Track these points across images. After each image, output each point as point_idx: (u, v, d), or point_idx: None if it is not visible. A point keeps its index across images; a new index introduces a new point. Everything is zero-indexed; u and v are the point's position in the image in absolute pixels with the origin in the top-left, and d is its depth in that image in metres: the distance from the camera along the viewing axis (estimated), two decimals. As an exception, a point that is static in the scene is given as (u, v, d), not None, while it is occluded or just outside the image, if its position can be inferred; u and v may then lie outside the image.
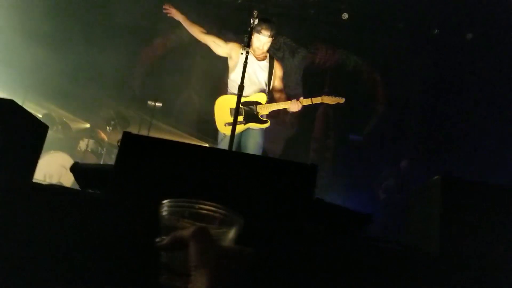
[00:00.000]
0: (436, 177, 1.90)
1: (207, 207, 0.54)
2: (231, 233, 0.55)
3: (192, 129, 6.46)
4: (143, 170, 1.31)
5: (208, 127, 6.16)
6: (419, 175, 5.39)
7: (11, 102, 1.58)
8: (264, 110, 3.10)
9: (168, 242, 0.51)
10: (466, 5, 5.76)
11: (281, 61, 6.83)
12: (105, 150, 5.04)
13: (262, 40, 3.17)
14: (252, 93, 3.14)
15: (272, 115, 6.80)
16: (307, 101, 3.11)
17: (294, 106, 3.05)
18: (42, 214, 1.19)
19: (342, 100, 3.37)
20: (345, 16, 6.30)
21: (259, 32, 3.17)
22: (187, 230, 0.51)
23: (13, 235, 1.20)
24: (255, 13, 2.62)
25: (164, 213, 0.54)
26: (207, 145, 6.30)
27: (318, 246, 1.51)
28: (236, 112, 2.52)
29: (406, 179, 5.45)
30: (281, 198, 1.46)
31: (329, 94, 3.32)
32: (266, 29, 3.15)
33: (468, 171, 5.39)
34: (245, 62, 2.52)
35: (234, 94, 3.10)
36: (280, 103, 3.24)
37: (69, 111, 5.91)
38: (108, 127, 5.14)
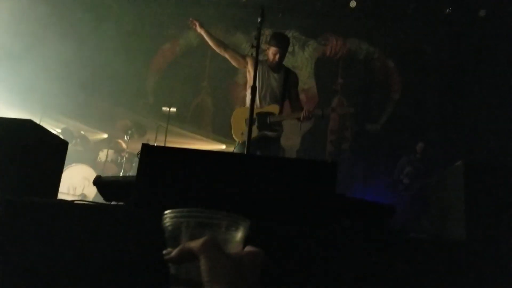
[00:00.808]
0: (458, 162, 1.86)
1: (212, 215, 0.53)
2: (239, 235, 0.55)
3: (207, 131, 6.51)
4: (163, 180, 1.32)
5: (223, 128, 6.22)
6: (438, 160, 5.29)
7: (29, 122, 1.62)
8: (276, 119, 3.23)
9: (176, 255, 0.50)
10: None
11: (292, 55, 6.84)
12: (124, 159, 5.14)
13: (273, 52, 3.31)
14: (266, 105, 3.25)
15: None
16: (317, 112, 3.21)
17: (304, 117, 3.15)
18: (68, 230, 1.22)
19: (351, 110, 3.50)
20: (353, 4, 6.21)
21: (271, 44, 3.35)
22: (195, 242, 0.49)
23: (41, 252, 1.24)
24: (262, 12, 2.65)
25: (168, 224, 0.54)
26: (223, 146, 6.34)
27: (346, 242, 1.51)
28: (251, 111, 2.53)
29: (425, 163, 5.34)
30: (304, 198, 1.46)
31: (340, 105, 3.33)
32: (275, 44, 3.31)
33: (487, 155, 5.25)
34: (256, 64, 2.53)
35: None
36: (291, 114, 3.35)
37: (86, 124, 6.05)
38: (126, 136, 5.23)
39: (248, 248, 0.52)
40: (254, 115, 3.16)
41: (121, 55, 6.11)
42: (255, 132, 3.16)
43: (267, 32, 6.50)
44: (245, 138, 3.13)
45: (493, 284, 1.53)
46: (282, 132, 3.37)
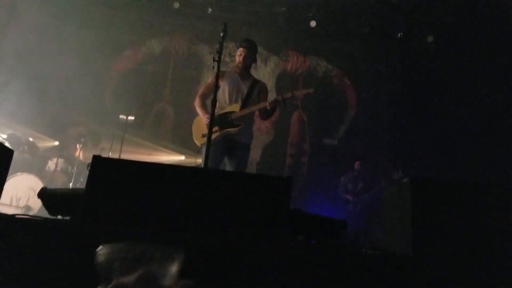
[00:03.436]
0: (405, 179, 1.95)
1: (146, 250, 0.52)
2: (174, 269, 0.54)
3: (167, 140, 6.39)
4: (114, 193, 1.28)
5: (183, 138, 6.15)
6: (383, 175, 5.58)
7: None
8: (237, 116, 3.21)
9: None
10: (427, 9, 6.00)
11: (255, 69, 6.92)
12: (75, 168, 4.89)
13: (239, 52, 3.39)
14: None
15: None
16: (277, 98, 3.17)
17: (264, 105, 3.12)
18: (8, 246, 1.14)
19: (311, 90, 3.45)
20: (313, 24, 6.43)
21: (239, 47, 3.43)
22: (130, 278, 0.49)
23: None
24: (225, 26, 2.70)
25: (101, 260, 0.52)
26: (183, 157, 6.24)
27: (298, 256, 1.52)
28: (210, 124, 2.54)
29: (365, 179, 5.64)
30: (258, 212, 1.47)
31: (298, 89, 3.36)
32: (241, 45, 3.40)
33: (435, 171, 5.59)
34: (217, 76, 2.56)
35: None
36: (252, 106, 3.27)
37: (36, 130, 5.71)
38: (78, 144, 5.00)
39: (182, 282, 0.52)
40: (217, 117, 3.16)
41: (78, 60, 5.89)
42: (217, 132, 3.17)
43: (230, 45, 6.57)
44: (205, 140, 3.13)
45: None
46: (245, 128, 3.29)
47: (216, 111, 3.31)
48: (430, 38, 6.37)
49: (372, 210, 5.28)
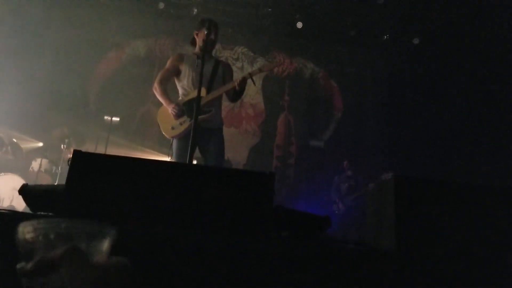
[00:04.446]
0: (389, 176, 1.98)
1: (72, 225, 0.49)
2: (104, 246, 0.50)
3: (152, 142, 6.34)
4: (95, 189, 1.26)
5: (169, 140, 6.08)
6: (371, 174, 5.64)
7: None
8: (205, 100, 2.94)
9: (35, 267, 0.46)
10: (412, 12, 6.11)
11: (241, 70, 6.93)
12: (60, 169, 4.82)
13: (202, 34, 3.12)
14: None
15: (235, 125, 6.88)
16: (245, 76, 2.97)
17: (233, 85, 2.94)
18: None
19: (279, 63, 3.19)
20: (299, 25, 6.48)
21: (199, 27, 3.20)
22: (56, 252, 0.45)
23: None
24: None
25: (26, 236, 0.49)
26: (169, 158, 6.19)
27: (280, 252, 1.53)
28: (197, 108, 2.44)
29: (356, 178, 5.69)
30: (241, 208, 1.47)
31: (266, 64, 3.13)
32: (202, 25, 3.13)
33: (423, 172, 5.68)
34: (200, 75, 2.52)
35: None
36: (220, 88, 3.03)
37: (19, 131, 5.61)
38: (62, 145, 4.92)
39: (115, 259, 0.49)
40: (182, 105, 2.98)
41: (61, 60, 5.81)
42: (187, 122, 2.96)
43: (216, 47, 6.57)
44: (176, 132, 3.00)
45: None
46: (215, 112, 3.07)
47: (180, 98, 3.18)
48: (416, 40, 6.48)
49: (357, 209, 5.33)
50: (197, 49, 3.23)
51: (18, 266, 0.47)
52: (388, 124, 6.54)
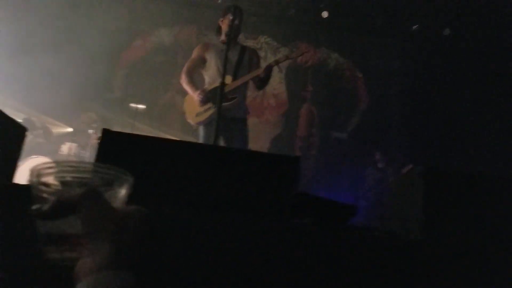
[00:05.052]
0: (419, 167, 1.94)
1: (90, 168, 0.46)
2: (121, 194, 0.48)
3: (175, 130, 6.42)
4: (123, 168, 1.29)
5: (193, 128, 6.16)
6: (400, 167, 5.52)
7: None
8: (230, 88, 2.95)
9: (52, 208, 0.43)
10: (444, 1, 5.89)
11: (264, 60, 6.87)
12: (88, 153, 4.97)
13: (226, 21, 3.10)
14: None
15: (257, 114, 6.86)
16: (271, 63, 2.93)
17: (258, 73, 2.91)
18: (24, 216, 1.16)
19: (306, 50, 3.15)
20: (325, 14, 6.36)
21: (224, 14, 3.20)
22: (74, 193, 0.43)
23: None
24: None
25: (41, 179, 0.45)
26: (191, 146, 6.25)
27: (304, 240, 1.52)
28: (221, 93, 2.45)
29: (387, 171, 5.58)
30: (265, 192, 1.47)
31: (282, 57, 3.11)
32: (227, 12, 3.13)
33: (449, 163, 5.54)
34: (225, 60, 2.52)
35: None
36: (245, 76, 3.03)
37: (50, 116, 5.81)
38: (90, 131, 5.06)
39: (134, 206, 0.47)
40: (208, 92, 3.00)
41: (89, 48, 5.93)
42: (211, 109, 2.96)
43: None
44: (201, 118, 3.03)
45: (447, 282, 1.59)
46: (240, 100, 3.07)
47: (205, 86, 3.19)
48: (446, 31, 6.25)
49: (380, 201, 5.25)
50: (222, 36, 3.22)
51: (33, 207, 0.45)
52: (414, 117, 6.38)
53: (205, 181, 1.36)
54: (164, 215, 1.23)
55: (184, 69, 3.23)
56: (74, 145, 5.08)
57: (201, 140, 3.07)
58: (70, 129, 5.91)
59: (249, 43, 6.90)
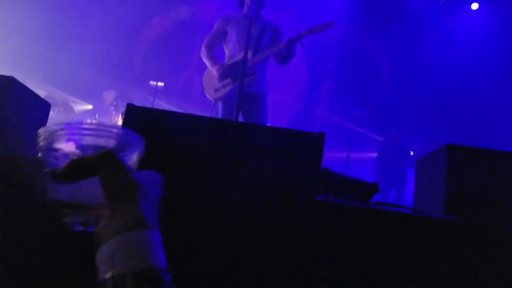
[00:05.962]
0: (443, 145, 1.89)
1: (102, 132, 0.44)
2: (133, 158, 0.48)
3: (194, 108, 6.44)
4: (148, 143, 1.29)
5: (211, 105, 6.14)
6: (422, 147, 5.42)
7: (11, 79, 1.55)
8: (250, 63, 2.86)
9: (69, 170, 0.42)
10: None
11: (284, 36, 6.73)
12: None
13: None
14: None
15: (276, 92, 6.79)
16: (293, 37, 2.82)
17: (278, 48, 2.83)
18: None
19: (329, 24, 3.01)
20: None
21: None
22: (91, 155, 0.42)
23: (14, 207, 1.20)
24: None
25: (53, 145, 0.43)
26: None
27: (327, 216, 1.51)
28: (243, 69, 2.39)
29: (402, 149, 5.49)
30: (288, 168, 1.45)
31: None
32: None
33: (472, 140, 5.39)
34: (248, 31, 2.44)
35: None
36: (265, 50, 2.97)
37: (71, 93, 5.90)
38: (110, 108, 5.12)
39: (144, 171, 0.47)
40: (227, 67, 2.94)
41: (110, 26, 5.93)
42: (230, 85, 2.94)
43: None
44: (219, 94, 2.99)
45: (468, 261, 1.56)
46: (259, 76, 3.00)
47: (225, 61, 3.14)
48: (474, 5, 5.98)
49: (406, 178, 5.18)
50: (245, 9, 3.14)
51: (47, 170, 0.44)
52: (438, 94, 6.18)
53: (228, 157, 1.35)
54: (187, 187, 1.24)
55: (205, 42, 3.17)
56: (94, 121, 5.17)
57: (220, 116, 3.03)
58: (90, 106, 6.00)
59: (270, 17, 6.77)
